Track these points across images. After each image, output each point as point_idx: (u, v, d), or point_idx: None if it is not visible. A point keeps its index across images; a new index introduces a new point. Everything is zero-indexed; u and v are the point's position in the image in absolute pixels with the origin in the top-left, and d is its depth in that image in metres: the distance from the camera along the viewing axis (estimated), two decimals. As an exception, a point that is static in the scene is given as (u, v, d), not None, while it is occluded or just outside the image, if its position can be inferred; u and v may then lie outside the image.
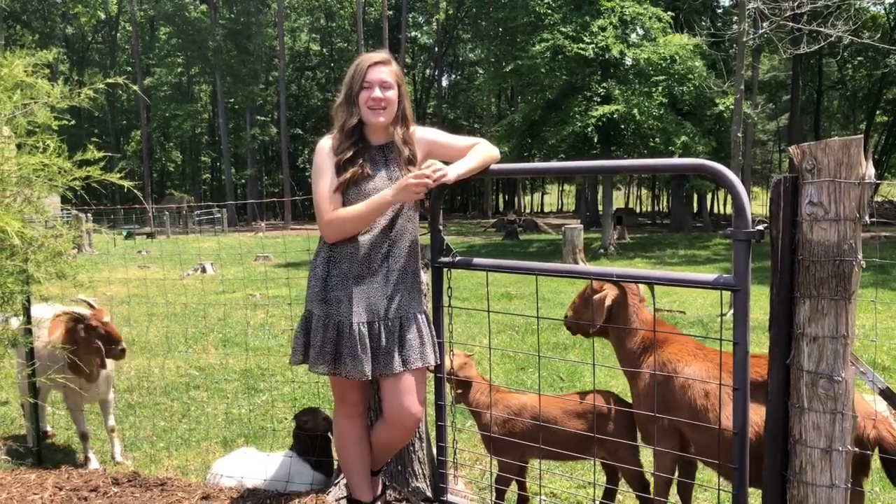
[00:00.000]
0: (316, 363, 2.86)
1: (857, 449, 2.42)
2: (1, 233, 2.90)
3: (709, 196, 44.33)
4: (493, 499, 3.62)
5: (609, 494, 3.66)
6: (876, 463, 2.91)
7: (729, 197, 11.13)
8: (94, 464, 4.70)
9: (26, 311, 4.14)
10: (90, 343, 4.39)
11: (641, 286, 3.52)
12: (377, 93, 2.82)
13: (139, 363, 7.73)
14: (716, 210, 53.47)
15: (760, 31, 13.51)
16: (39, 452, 4.55)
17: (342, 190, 2.84)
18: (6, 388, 6.40)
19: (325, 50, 56.08)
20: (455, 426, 3.40)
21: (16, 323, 4.11)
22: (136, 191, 3.63)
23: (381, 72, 2.85)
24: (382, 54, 2.92)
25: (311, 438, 3.72)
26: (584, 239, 18.78)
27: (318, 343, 2.85)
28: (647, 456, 3.76)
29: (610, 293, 3.44)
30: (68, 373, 4.41)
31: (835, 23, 13.19)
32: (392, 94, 2.86)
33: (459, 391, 3.57)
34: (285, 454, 3.78)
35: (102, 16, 53.07)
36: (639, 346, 3.36)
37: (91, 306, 4.51)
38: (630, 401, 3.46)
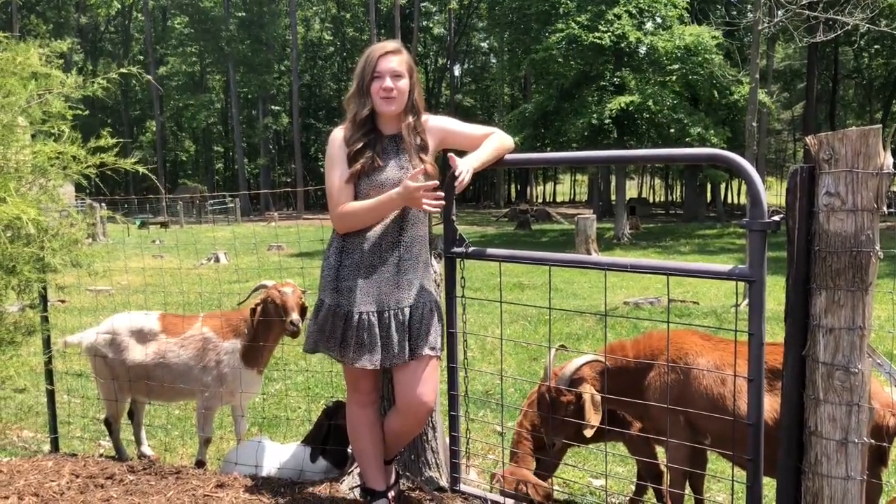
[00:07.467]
0: (324, 349, 2.89)
1: (873, 441, 2.40)
2: (17, 220, 2.92)
3: (722, 186, 44.05)
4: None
5: (639, 490, 3.68)
6: (893, 454, 2.89)
7: (743, 187, 11.05)
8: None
9: (42, 299, 4.12)
10: (273, 318, 4.00)
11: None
12: (388, 83, 2.82)
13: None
14: (729, 200, 53.12)
15: (776, 20, 13.37)
16: (56, 440, 4.58)
17: (354, 181, 2.85)
18: (24, 376, 6.44)
19: (337, 39, 56.02)
20: (468, 416, 3.40)
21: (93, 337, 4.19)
22: (150, 175, 3.63)
23: (392, 61, 2.84)
24: (393, 44, 2.91)
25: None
26: (597, 229, 18.72)
27: (328, 331, 2.87)
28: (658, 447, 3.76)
29: (590, 391, 3.21)
30: (240, 364, 4.13)
31: (852, 11, 13.05)
32: (403, 83, 2.85)
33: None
34: (298, 445, 3.79)
35: (118, 5, 53.11)
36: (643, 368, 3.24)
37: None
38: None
